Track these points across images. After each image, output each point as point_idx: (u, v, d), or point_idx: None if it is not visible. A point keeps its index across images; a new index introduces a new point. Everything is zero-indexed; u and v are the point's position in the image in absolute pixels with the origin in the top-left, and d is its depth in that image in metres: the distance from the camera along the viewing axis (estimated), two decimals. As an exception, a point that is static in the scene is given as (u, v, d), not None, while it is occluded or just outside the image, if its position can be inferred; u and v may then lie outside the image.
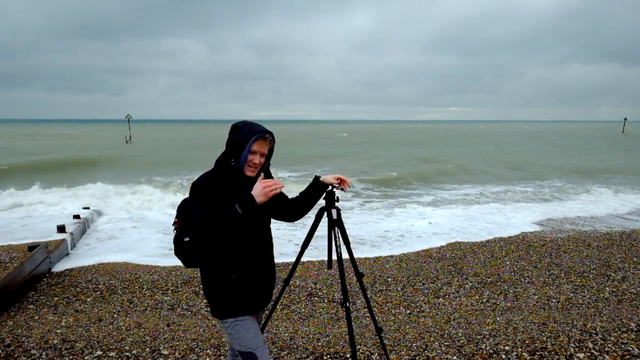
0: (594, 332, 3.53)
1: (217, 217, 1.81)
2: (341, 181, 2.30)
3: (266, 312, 3.00)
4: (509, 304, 4.67)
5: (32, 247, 6.09)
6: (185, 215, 2.01)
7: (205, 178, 1.94)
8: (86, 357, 3.23)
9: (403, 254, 6.88)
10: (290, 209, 2.26)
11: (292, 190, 2.80)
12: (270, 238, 2.18)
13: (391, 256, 6.73)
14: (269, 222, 2.18)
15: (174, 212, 2.21)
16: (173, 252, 2.12)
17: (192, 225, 1.89)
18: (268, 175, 2.10)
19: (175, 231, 2.06)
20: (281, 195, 2.26)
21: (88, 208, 10.09)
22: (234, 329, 1.98)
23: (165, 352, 3.30)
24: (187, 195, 2.03)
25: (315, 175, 2.31)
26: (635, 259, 6.24)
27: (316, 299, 4.92)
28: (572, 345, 3.27)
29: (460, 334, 3.65)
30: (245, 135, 1.91)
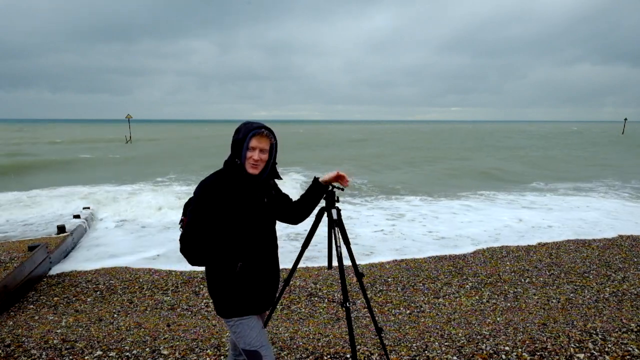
0: (594, 332, 3.53)
1: (209, 256, 1.91)
2: (342, 177, 2.29)
3: (266, 312, 3.00)
4: (509, 304, 4.67)
5: (32, 247, 6.09)
6: None
7: (214, 178, 1.95)
8: (86, 357, 3.23)
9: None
10: (293, 211, 2.26)
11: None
12: (275, 239, 2.18)
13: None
14: (274, 224, 2.18)
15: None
16: (179, 250, 2.11)
17: (183, 228, 1.93)
18: (274, 174, 2.10)
19: (182, 229, 2.02)
20: (285, 197, 2.27)
21: (88, 208, 10.05)
22: (238, 327, 1.99)
23: (165, 352, 3.30)
24: (192, 194, 2.03)
25: (315, 177, 2.31)
26: (635, 260, 6.24)
27: (316, 299, 4.92)
28: (572, 345, 3.27)
29: (460, 334, 3.65)
30: (243, 134, 1.94)
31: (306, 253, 2.59)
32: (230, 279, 1.97)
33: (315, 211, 2.41)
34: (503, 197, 12.86)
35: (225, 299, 1.99)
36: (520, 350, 3.21)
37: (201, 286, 5.30)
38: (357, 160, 25.55)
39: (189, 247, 1.89)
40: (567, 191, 14.17)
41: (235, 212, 1.93)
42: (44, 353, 3.30)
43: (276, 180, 2.22)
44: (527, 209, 10.98)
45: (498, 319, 4.14)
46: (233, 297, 1.98)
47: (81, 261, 6.45)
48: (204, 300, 4.86)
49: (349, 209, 10.91)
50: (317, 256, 6.41)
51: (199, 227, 1.88)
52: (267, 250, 2.08)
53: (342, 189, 2.36)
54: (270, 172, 2.07)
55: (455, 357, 3.15)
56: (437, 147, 38.98)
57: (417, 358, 3.16)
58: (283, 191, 2.30)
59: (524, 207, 11.19)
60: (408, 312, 4.53)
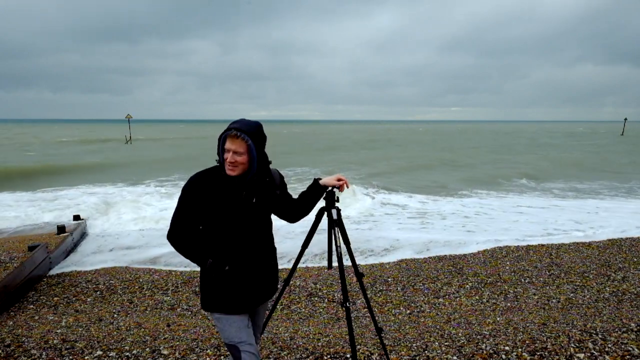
0: (594, 332, 3.53)
1: (188, 247, 1.95)
2: (342, 183, 2.30)
3: (266, 312, 3.00)
4: (509, 304, 4.67)
5: (32, 247, 6.09)
6: None
7: (200, 174, 1.98)
8: (86, 357, 3.23)
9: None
10: (291, 209, 2.26)
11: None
12: (268, 239, 2.14)
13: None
14: (267, 224, 2.14)
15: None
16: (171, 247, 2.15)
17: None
18: (262, 174, 2.03)
19: None
20: (288, 197, 2.26)
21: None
22: (219, 322, 2.04)
23: (165, 352, 3.30)
24: None
25: (315, 178, 2.31)
26: (635, 259, 6.23)
27: (316, 299, 4.92)
28: (572, 345, 3.27)
29: (460, 334, 3.65)
30: (221, 134, 1.94)
31: (306, 253, 2.59)
32: (205, 274, 2.02)
33: (315, 211, 2.41)
34: (543, 197, 12.91)
35: (204, 292, 2.05)
36: (520, 350, 3.21)
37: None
38: (386, 161, 25.59)
39: (171, 235, 1.97)
40: (612, 192, 14.19)
41: (213, 209, 1.94)
42: (44, 353, 3.30)
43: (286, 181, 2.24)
44: (578, 210, 10.95)
45: (498, 318, 4.14)
46: (210, 292, 2.01)
47: (81, 261, 6.46)
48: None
49: (368, 207, 11.21)
50: (317, 253, 6.41)
51: (181, 217, 1.94)
52: (252, 250, 2.04)
53: (340, 190, 2.36)
54: (259, 172, 2.00)
55: (455, 357, 3.15)
56: (450, 147, 38.86)
57: (417, 358, 3.16)
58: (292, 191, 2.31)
59: (572, 207, 11.21)
60: (408, 312, 4.53)
